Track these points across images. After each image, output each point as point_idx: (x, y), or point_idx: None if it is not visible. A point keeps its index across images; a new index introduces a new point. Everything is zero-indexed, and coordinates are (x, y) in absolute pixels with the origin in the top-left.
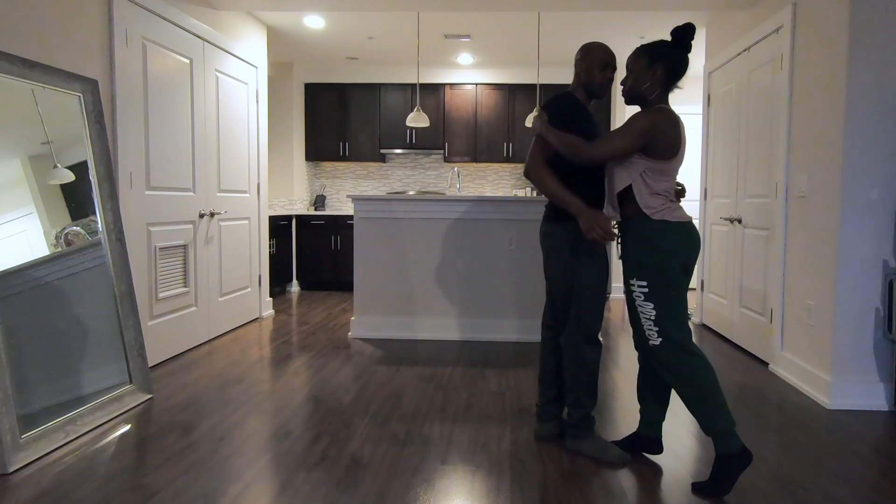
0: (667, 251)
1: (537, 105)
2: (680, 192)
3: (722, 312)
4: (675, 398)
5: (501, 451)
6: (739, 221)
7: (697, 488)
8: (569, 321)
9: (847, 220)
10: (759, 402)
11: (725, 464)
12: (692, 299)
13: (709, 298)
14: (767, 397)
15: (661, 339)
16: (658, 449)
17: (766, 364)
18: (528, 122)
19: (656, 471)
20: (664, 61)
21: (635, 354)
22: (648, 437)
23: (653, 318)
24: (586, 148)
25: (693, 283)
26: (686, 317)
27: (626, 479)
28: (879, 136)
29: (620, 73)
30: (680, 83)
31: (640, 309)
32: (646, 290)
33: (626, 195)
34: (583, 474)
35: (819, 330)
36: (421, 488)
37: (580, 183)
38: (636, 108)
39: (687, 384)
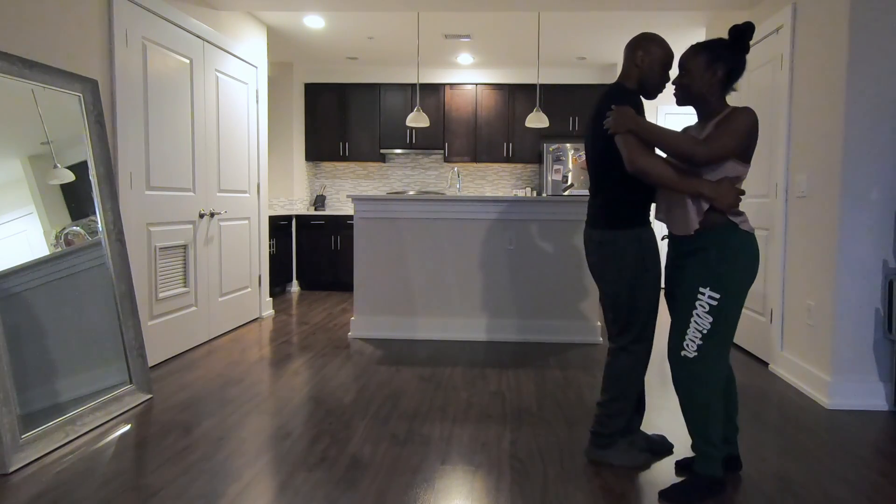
0: (746, 265)
1: (537, 106)
2: None
3: None
4: (674, 403)
5: (501, 451)
6: None
7: (663, 494)
8: (622, 332)
9: (847, 220)
10: (759, 402)
11: (702, 484)
12: None
13: None
14: (767, 397)
15: (696, 355)
16: (737, 466)
17: (766, 364)
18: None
19: (656, 471)
20: (725, 62)
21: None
22: (729, 456)
23: (704, 332)
24: (700, 146)
25: None
26: (732, 339)
27: (626, 480)
28: (879, 136)
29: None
30: (736, 85)
31: (695, 318)
32: (714, 303)
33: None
34: (583, 474)
35: (819, 330)
36: (421, 488)
37: (641, 183)
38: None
39: (697, 403)
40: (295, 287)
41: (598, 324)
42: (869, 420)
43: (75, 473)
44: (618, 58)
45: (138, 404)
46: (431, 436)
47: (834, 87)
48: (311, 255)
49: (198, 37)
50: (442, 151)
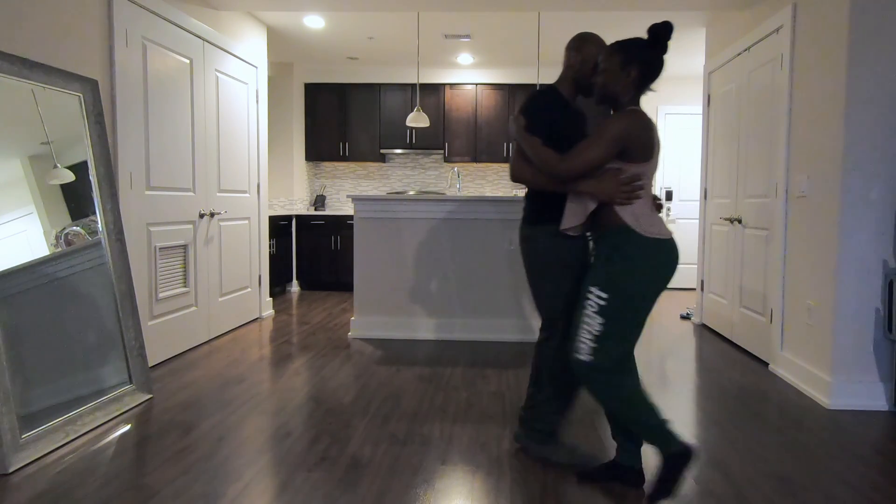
0: (640, 270)
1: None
2: (657, 207)
3: (722, 312)
4: (674, 402)
5: (501, 451)
6: (739, 221)
7: (651, 497)
8: (546, 327)
9: (847, 220)
10: (759, 402)
11: (670, 463)
12: (691, 300)
13: (709, 298)
14: (767, 397)
15: (591, 359)
16: (641, 481)
17: (766, 364)
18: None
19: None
20: (640, 62)
21: (635, 354)
22: (626, 467)
23: (595, 333)
24: (559, 163)
25: (693, 283)
26: (634, 340)
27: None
28: (879, 136)
29: None
30: (653, 85)
31: (585, 318)
32: (603, 303)
33: (603, 204)
34: None
35: (819, 330)
36: (421, 488)
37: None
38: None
39: (613, 401)
40: (295, 287)
41: None
42: (869, 420)
43: (75, 473)
44: None
45: (138, 404)
46: (431, 436)
47: (834, 87)
48: (311, 255)
49: (198, 37)
50: (442, 151)
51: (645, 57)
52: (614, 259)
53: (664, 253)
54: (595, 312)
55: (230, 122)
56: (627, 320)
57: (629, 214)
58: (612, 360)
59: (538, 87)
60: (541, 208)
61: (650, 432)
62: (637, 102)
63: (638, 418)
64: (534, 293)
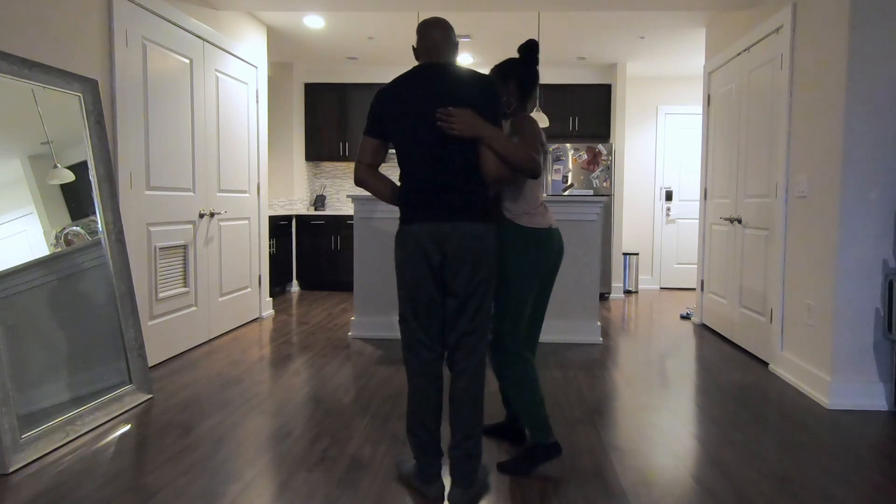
0: (518, 257)
1: (537, 105)
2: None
3: (722, 312)
4: (674, 402)
5: (501, 451)
6: (739, 221)
7: (502, 466)
8: (476, 338)
9: (847, 220)
10: (759, 402)
11: (535, 451)
12: (691, 300)
13: (709, 298)
14: (767, 397)
15: (490, 337)
16: (523, 439)
17: (766, 364)
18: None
19: (656, 471)
20: (515, 77)
21: (635, 354)
22: (513, 429)
23: (492, 314)
24: (534, 160)
25: (693, 282)
26: (524, 322)
27: (626, 479)
28: (879, 136)
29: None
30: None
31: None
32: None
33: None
34: (583, 474)
35: (819, 330)
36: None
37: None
38: None
39: (511, 385)
40: (295, 287)
41: (598, 324)
42: (869, 420)
43: (75, 473)
44: (618, 58)
45: (138, 404)
46: None
47: (834, 87)
48: (311, 255)
49: (198, 37)
50: None
51: (518, 71)
52: (500, 248)
53: (539, 239)
54: (491, 297)
55: (230, 122)
56: (511, 298)
57: (508, 210)
58: (509, 340)
59: (480, 73)
60: (486, 205)
61: (533, 419)
62: (525, 110)
63: (528, 404)
64: (498, 305)
